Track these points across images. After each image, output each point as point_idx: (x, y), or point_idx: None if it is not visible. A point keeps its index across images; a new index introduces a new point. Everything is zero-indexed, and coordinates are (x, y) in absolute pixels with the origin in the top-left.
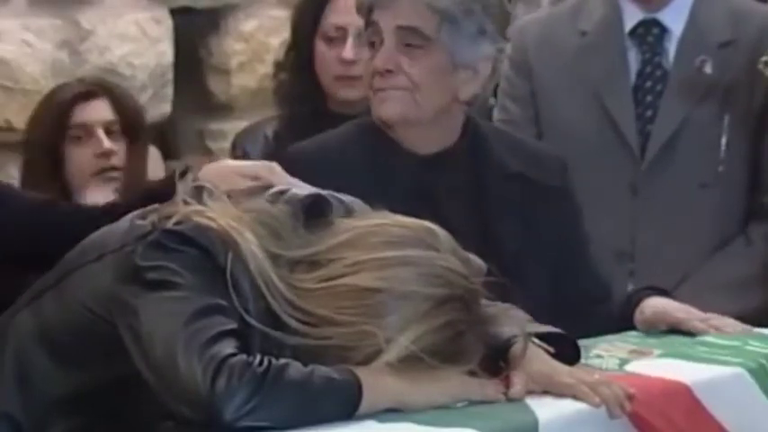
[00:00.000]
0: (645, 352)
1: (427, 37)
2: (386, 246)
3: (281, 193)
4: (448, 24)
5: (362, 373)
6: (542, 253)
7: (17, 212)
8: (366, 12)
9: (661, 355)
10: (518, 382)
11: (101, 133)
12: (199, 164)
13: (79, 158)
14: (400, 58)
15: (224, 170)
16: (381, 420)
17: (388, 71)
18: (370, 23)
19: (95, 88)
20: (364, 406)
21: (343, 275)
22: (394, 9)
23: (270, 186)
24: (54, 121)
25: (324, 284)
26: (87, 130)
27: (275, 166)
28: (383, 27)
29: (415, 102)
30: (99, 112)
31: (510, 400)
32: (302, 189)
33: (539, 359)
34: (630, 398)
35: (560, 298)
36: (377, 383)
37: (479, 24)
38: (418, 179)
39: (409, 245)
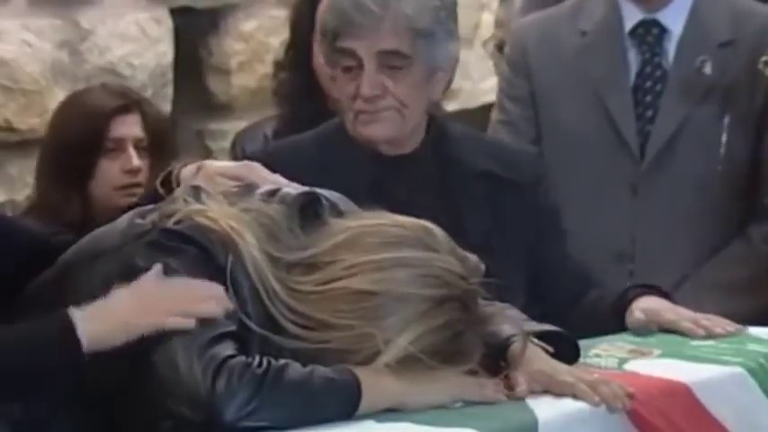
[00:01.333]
0: (645, 352)
1: (407, 56)
2: (382, 247)
3: (273, 192)
4: (423, 39)
5: (362, 373)
6: (513, 249)
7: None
8: (331, 37)
9: (661, 355)
10: (522, 381)
11: (131, 150)
12: (179, 165)
13: (109, 172)
14: (383, 80)
15: (206, 171)
16: (380, 420)
17: (375, 96)
18: (340, 50)
19: (131, 103)
20: (363, 406)
21: (340, 278)
22: (372, 37)
23: (253, 186)
24: (92, 131)
25: (321, 288)
26: (120, 145)
27: (255, 165)
28: (362, 54)
29: (403, 120)
30: (132, 128)
31: (514, 399)
32: (292, 188)
33: (538, 358)
34: (630, 396)
35: (537, 295)
36: (376, 384)
37: (447, 28)
38: (380, 179)
39: (406, 245)
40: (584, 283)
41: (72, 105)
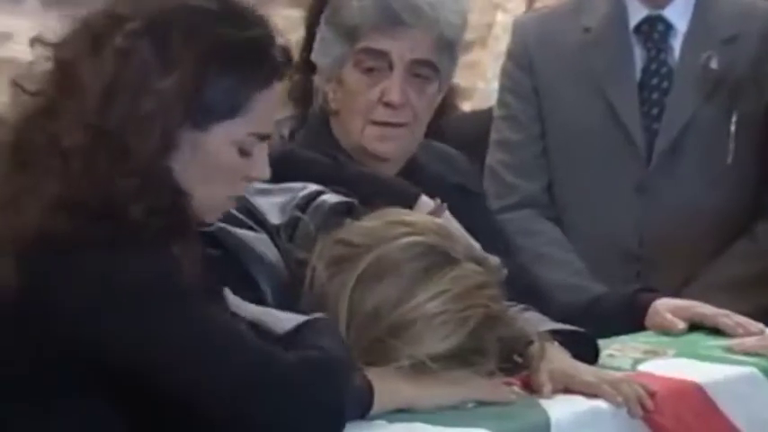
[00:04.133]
0: (659, 352)
1: (436, 68)
2: (410, 281)
3: (311, 198)
4: (448, 52)
5: (372, 375)
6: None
7: None
8: (355, 33)
9: (675, 355)
10: (546, 382)
11: None
12: None
13: None
14: (408, 91)
15: None
16: (392, 420)
17: (401, 104)
18: (368, 49)
19: None
20: (374, 408)
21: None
22: (409, 41)
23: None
24: None
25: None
26: None
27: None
28: (395, 58)
29: (412, 137)
30: None
31: (527, 399)
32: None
33: (558, 358)
34: (652, 396)
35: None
36: (387, 386)
37: (460, 47)
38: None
39: (428, 258)
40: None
41: None
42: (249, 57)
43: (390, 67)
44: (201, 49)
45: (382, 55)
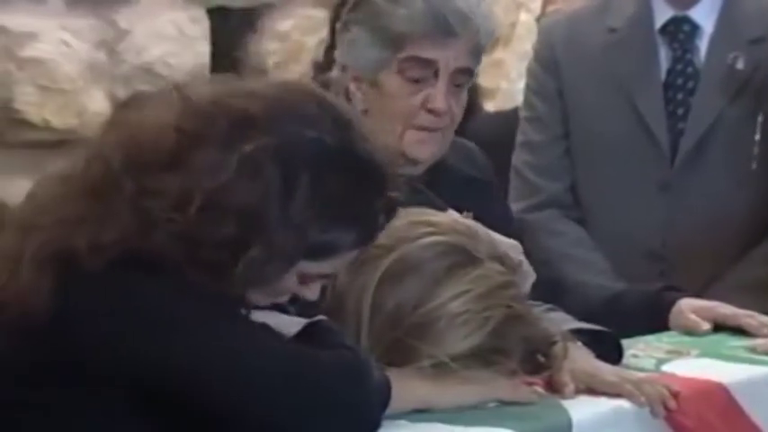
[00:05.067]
0: (683, 351)
1: (472, 74)
2: (435, 280)
3: None
4: (479, 57)
5: (392, 374)
6: None
7: None
8: (401, 41)
9: (699, 355)
10: (568, 382)
11: None
12: None
13: None
14: (449, 98)
15: None
16: (413, 420)
17: (445, 112)
18: (416, 58)
19: None
20: (392, 407)
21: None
22: (454, 50)
23: None
24: None
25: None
26: None
27: None
28: (441, 67)
29: (445, 140)
30: None
31: (548, 399)
32: None
33: (581, 358)
34: (675, 396)
35: None
36: (406, 385)
37: None
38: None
39: (450, 258)
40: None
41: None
42: (358, 222)
43: (435, 75)
44: (321, 202)
45: (429, 64)
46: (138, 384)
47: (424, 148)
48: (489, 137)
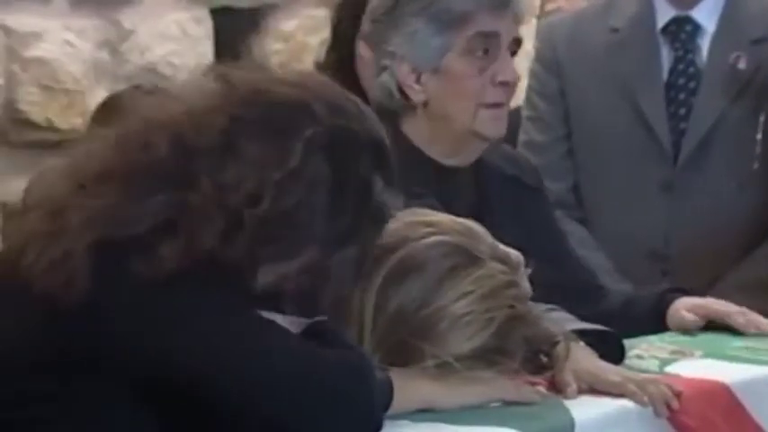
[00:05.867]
0: (687, 352)
1: (520, 44)
2: (438, 280)
3: None
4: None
5: (394, 374)
6: (543, 253)
7: None
8: (462, 21)
9: (703, 356)
10: (571, 382)
11: None
12: None
13: None
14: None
15: None
16: (416, 420)
17: (514, 82)
18: (486, 34)
19: None
20: (394, 407)
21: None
22: (508, 20)
23: None
24: None
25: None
26: None
27: None
28: (503, 38)
29: (507, 116)
30: None
31: (551, 399)
32: None
33: (584, 358)
34: (678, 396)
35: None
36: (408, 384)
37: None
38: (440, 192)
39: (453, 258)
40: (596, 287)
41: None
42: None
43: (499, 47)
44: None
45: (494, 36)
46: (149, 379)
47: (499, 125)
48: None
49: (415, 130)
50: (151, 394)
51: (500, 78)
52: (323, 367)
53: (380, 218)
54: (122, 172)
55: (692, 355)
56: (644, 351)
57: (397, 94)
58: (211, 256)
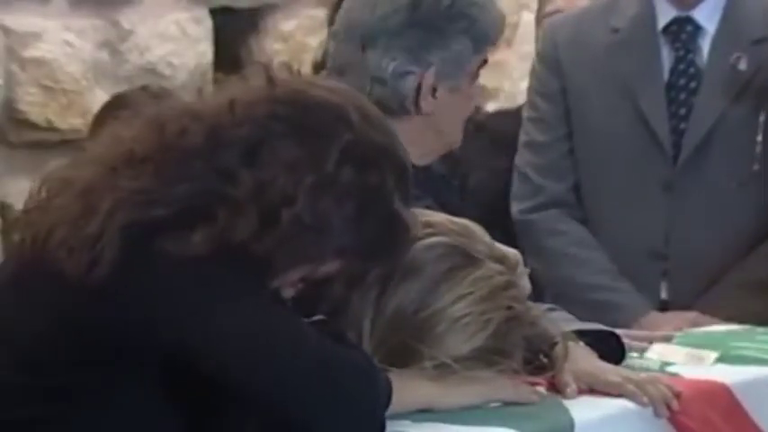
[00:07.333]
0: (702, 357)
1: None
2: (436, 281)
3: None
4: None
5: (393, 374)
6: None
7: None
8: (489, 45)
9: (716, 361)
10: (570, 382)
11: None
12: None
13: None
14: None
15: None
16: (416, 420)
17: None
18: (486, 61)
19: None
20: (393, 407)
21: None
22: None
23: None
24: None
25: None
26: None
27: None
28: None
29: None
30: None
31: (549, 399)
32: None
33: (584, 358)
34: (678, 396)
35: None
36: (407, 385)
37: None
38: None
39: (451, 259)
40: None
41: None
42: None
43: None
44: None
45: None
46: (169, 365)
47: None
48: (494, 134)
49: (403, 132)
50: (172, 378)
51: (480, 103)
52: (339, 366)
53: (403, 236)
54: (157, 155)
55: (707, 359)
56: (656, 353)
57: (411, 99)
58: (241, 248)
